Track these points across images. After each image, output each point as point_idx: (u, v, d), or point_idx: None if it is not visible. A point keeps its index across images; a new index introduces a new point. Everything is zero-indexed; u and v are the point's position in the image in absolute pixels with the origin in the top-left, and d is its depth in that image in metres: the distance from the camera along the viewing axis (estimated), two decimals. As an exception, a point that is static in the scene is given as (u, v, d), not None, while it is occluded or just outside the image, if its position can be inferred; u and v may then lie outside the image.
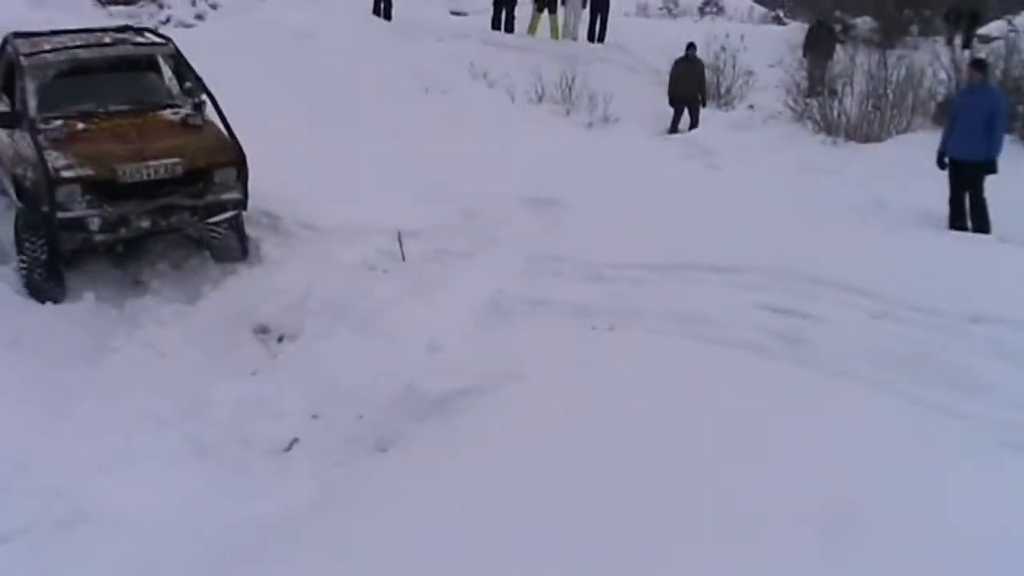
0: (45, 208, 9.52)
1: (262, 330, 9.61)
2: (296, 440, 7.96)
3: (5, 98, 10.96)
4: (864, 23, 25.48)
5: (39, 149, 9.55)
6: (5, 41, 11.32)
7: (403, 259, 10.40)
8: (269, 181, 10.98)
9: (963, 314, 8.40)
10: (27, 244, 9.77)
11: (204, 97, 10.83)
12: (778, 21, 33.58)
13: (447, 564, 5.41)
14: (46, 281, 9.87)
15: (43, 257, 9.81)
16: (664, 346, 7.95)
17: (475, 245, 10.66)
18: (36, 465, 7.63)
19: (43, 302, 9.81)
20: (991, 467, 6.11)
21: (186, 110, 10.76)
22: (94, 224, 9.64)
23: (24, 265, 9.84)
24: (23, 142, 9.98)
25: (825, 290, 8.95)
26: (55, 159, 9.55)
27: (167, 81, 11.47)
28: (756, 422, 6.53)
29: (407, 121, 15.47)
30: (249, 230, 11.00)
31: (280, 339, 9.48)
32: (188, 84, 11.18)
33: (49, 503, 7.23)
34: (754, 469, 5.97)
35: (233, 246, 10.71)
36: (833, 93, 18.31)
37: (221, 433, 8.06)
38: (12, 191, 10.42)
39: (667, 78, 19.82)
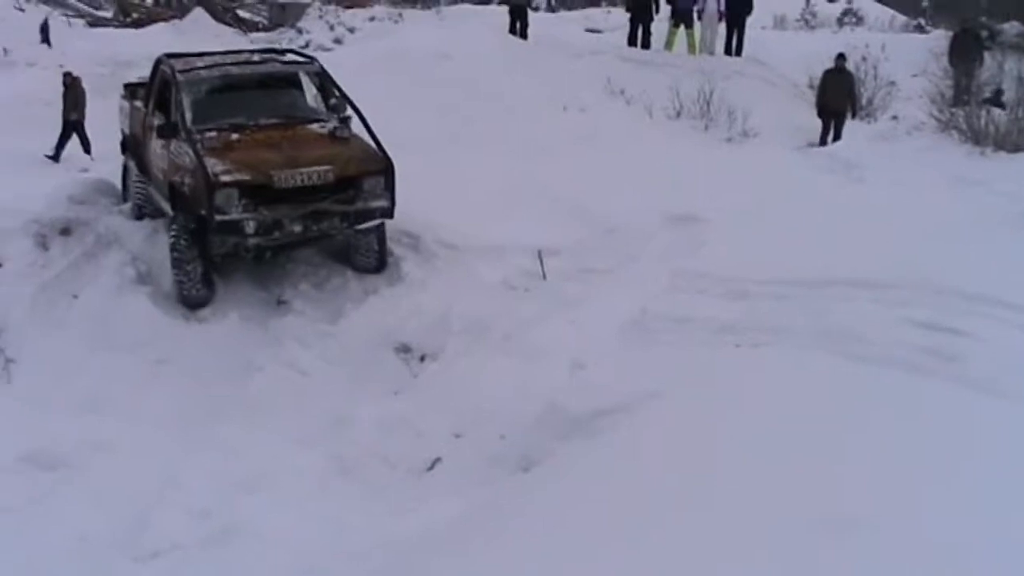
0: (203, 212, 9.94)
1: (404, 349, 9.68)
2: (438, 459, 7.99)
3: (159, 114, 11.42)
4: (1012, 28, 24.72)
5: (199, 156, 10.00)
6: (158, 62, 11.90)
7: (544, 277, 10.37)
8: (409, 201, 11.08)
9: None
10: (181, 250, 10.17)
11: (349, 112, 11.23)
12: (919, 29, 32.81)
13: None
14: (198, 286, 10.31)
15: (196, 262, 10.23)
16: (811, 364, 7.73)
17: (616, 262, 10.58)
18: (185, 482, 7.77)
19: (194, 308, 10.27)
20: None
21: (332, 124, 11.16)
22: (249, 227, 10.02)
23: (177, 271, 10.23)
24: (180, 151, 10.47)
25: (978, 305, 8.66)
26: (213, 165, 9.97)
27: (312, 98, 11.88)
28: (910, 444, 6.30)
29: (545, 139, 15.44)
30: (390, 248, 11.17)
31: (422, 358, 9.54)
32: (333, 100, 11.57)
33: (198, 520, 7.37)
34: (911, 495, 5.75)
35: (374, 256, 10.97)
36: (998, 102, 17.65)
37: (364, 452, 8.14)
38: (165, 201, 10.99)
39: (807, 91, 19.49)
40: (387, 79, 16.88)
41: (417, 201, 11.36)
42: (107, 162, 13.19)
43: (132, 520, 7.44)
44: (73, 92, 16.85)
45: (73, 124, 16.69)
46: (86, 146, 16.56)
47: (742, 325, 8.70)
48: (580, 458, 6.87)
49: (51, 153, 16.24)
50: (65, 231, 11.48)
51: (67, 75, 17.20)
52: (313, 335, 9.82)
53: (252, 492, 7.64)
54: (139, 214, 12.04)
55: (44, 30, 30.25)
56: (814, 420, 6.68)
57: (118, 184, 12.93)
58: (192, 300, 10.35)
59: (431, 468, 7.89)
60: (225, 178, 9.96)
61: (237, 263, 10.85)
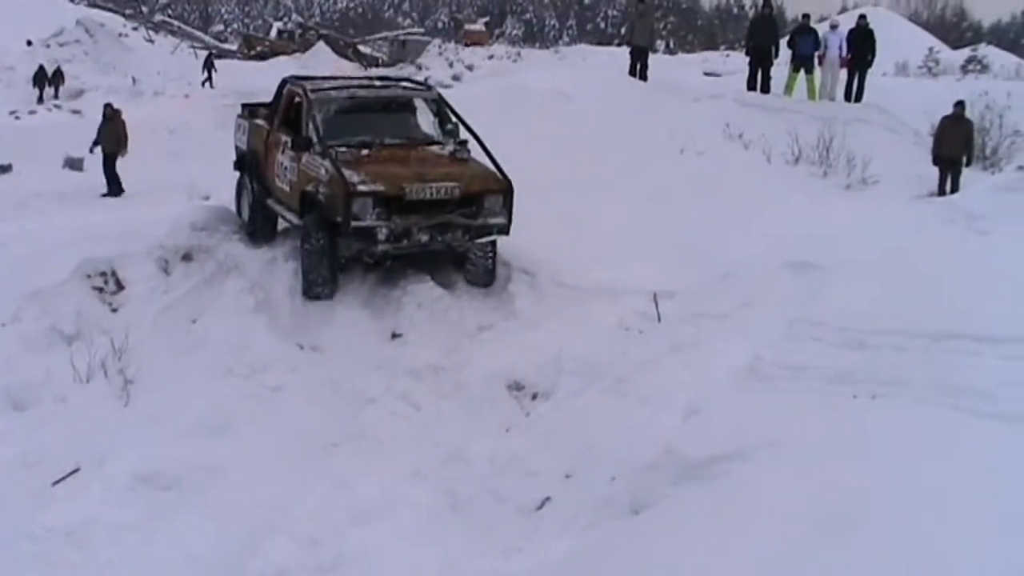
0: (338, 218, 10.69)
1: (516, 387, 9.69)
2: (548, 499, 7.97)
3: (286, 130, 12.17)
4: None
5: (337, 167, 10.78)
6: (284, 82, 12.79)
7: (659, 320, 10.31)
8: (526, 239, 11.25)
9: None
10: (313, 245, 10.99)
11: (466, 136, 11.98)
12: (1048, 77, 32.16)
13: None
14: (325, 279, 11.00)
15: (326, 258, 10.94)
16: (931, 418, 7.56)
17: (732, 308, 10.46)
18: (295, 512, 7.87)
19: (317, 299, 10.99)
20: None
21: (451, 147, 11.87)
22: (381, 234, 10.77)
23: (307, 264, 11.07)
24: (315, 164, 11.24)
25: (1111, 365, 8.42)
26: (350, 176, 10.73)
27: (430, 124, 12.55)
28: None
29: (662, 182, 15.39)
30: (507, 286, 11.34)
31: (534, 397, 9.53)
32: (449, 126, 12.30)
33: (307, 549, 7.45)
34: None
35: (487, 271, 11.53)
36: None
37: (475, 488, 8.16)
38: (289, 212, 11.82)
39: (929, 139, 19.16)
40: (505, 117, 16.98)
41: (534, 239, 11.47)
42: (229, 191, 13.43)
43: (241, 545, 7.56)
44: (114, 125, 16.96)
45: (107, 157, 16.82)
46: (112, 184, 16.71)
47: (859, 376, 8.55)
48: (693, 504, 6.79)
49: (105, 191, 16.51)
50: (187, 257, 11.79)
51: (108, 106, 17.31)
52: (426, 369, 9.87)
53: (362, 524, 7.71)
54: (252, 228, 12.62)
55: (208, 66, 30.87)
56: (932, 477, 6.53)
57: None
58: (317, 292, 11.03)
59: (540, 507, 7.87)
60: (362, 188, 10.69)
61: (349, 293, 10.96)
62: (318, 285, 10.99)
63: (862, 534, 5.83)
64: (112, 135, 17.07)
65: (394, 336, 10.50)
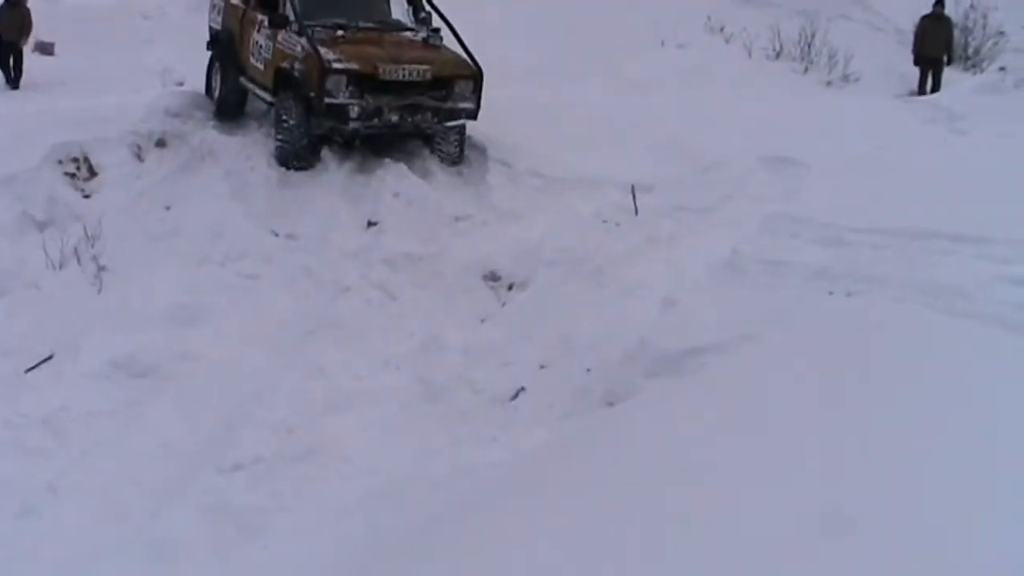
0: (312, 94, 10.92)
1: (493, 277, 9.66)
2: (523, 389, 7.98)
3: (262, 9, 12.26)
4: None
5: (313, 44, 11.01)
6: None
7: (636, 213, 10.27)
8: (504, 130, 11.18)
9: None
10: (289, 114, 11.19)
11: (439, 25, 12.21)
12: (1034, -21, 31.84)
13: (673, 523, 5.23)
14: (302, 148, 11.23)
15: (301, 128, 11.17)
16: (906, 316, 7.57)
17: (711, 202, 10.43)
18: (271, 400, 7.87)
19: (295, 169, 11.16)
20: None
21: (423, 34, 12.11)
22: (353, 112, 11.00)
23: (281, 133, 11.28)
24: (289, 41, 11.47)
25: (1086, 267, 8.45)
26: (326, 53, 10.98)
27: (405, 11, 12.78)
28: (1008, 404, 6.14)
29: (642, 74, 15.29)
30: (486, 178, 11.31)
31: (510, 287, 9.51)
32: (422, 14, 12.49)
33: (282, 436, 7.45)
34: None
35: (456, 151, 11.80)
36: None
37: (450, 377, 8.16)
38: (262, 90, 12.00)
39: (911, 38, 19.03)
40: (484, 5, 16.75)
41: (513, 130, 11.43)
42: (203, 77, 13.26)
43: (217, 432, 7.56)
44: (17, 11, 16.29)
45: (9, 46, 16.23)
46: (12, 74, 16.20)
47: (836, 272, 8.54)
48: (667, 396, 6.77)
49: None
50: (160, 143, 11.64)
51: None
52: (402, 258, 9.82)
53: (337, 412, 7.71)
54: (221, 106, 12.69)
55: None
56: (906, 373, 6.54)
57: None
58: (294, 160, 11.21)
59: (515, 397, 7.88)
60: (337, 65, 10.95)
61: (325, 181, 10.90)
62: (295, 156, 11.17)
63: (834, 426, 5.84)
64: (15, 22, 16.26)
65: (370, 224, 10.41)
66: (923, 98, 17.62)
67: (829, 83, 18.00)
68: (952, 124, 15.05)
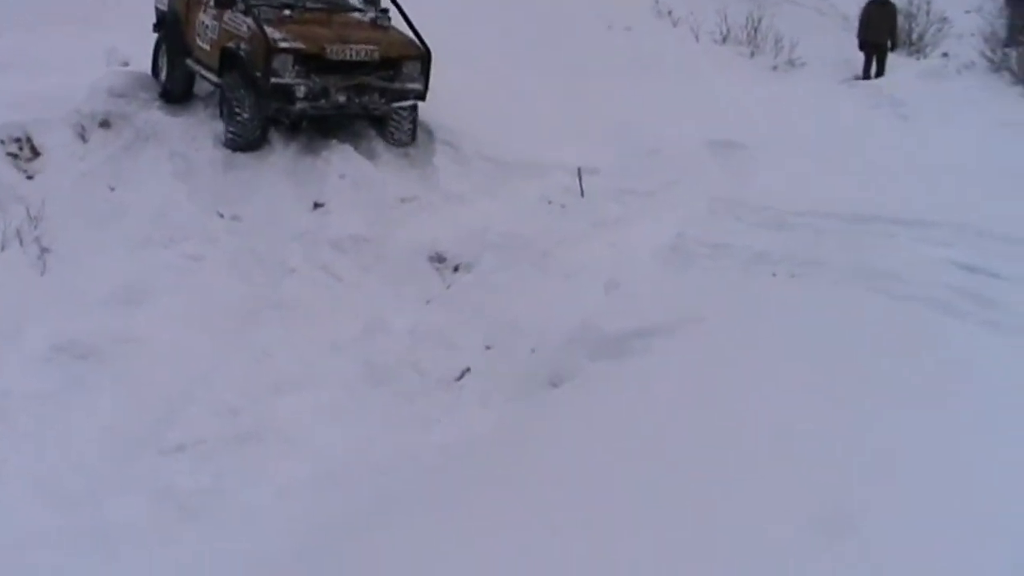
0: (258, 75, 10.80)
1: (438, 259, 9.67)
2: (468, 370, 8.00)
3: None
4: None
5: (259, 24, 10.88)
6: None
7: (582, 195, 10.32)
8: (451, 114, 11.19)
9: None
10: (237, 94, 11.05)
11: (388, 6, 12.16)
12: (977, -35, 32.08)
13: (619, 502, 5.26)
14: (253, 128, 11.08)
15: (255, 126, 11.06)
16: (845, 297, 7.67)
17: (656, 185, 10.51)
18: (214, 382, 7.82)
19: (244, 150, 11.03)
20: None
21: (372, 14, 12.03)
22: (300, 92, 10.92)
23: (231, 116, 11.12)
24: (235, 21, 11.33)
25: (1018, 250, 8.58)
26: (272, 32, 10.84)
27: None
28: (943, 384, 6.23)
29: (589, 58, 15.28)
30: (433, 160, 11.28)
31: (456, 269, 9.52)
32: None
33: (226, 418, 7.42)
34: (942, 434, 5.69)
35: (408, 132, 11.72)
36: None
37: (395, 360, 8.16)
38: (209, 71, 11.80)
39: (856, 23, 19.17)
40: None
41: (459, 112, 11.42)
42: (149, 57, 13.12)
43: (160, 414, 7.50)
44: None
45: None
46: None
47: (779, 255, 8.64)
48: (611, 377, 6.82)
49: None
50: (104, 123, 11.49)
51: None
52: (348, 239, 9.78)
53: (282, 395, 7.68)
54: (169, 88, 12.44)
55: None
56: (846, 354, 6.63)
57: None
58: (244, 143, 11.09)
59: (460, 378, 7.89)
60: (283, 44, 10.83)
61: (271, 162, 10.84)
62: (241, 136, 11.06)
63: (777, 405, 5.91)
64: None
65: (316, 206, 10.36)
66: (867, 83, 17.79)
67: (775, 68, 18.07)
68: (896, 109, 15.23)
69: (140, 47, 13.17)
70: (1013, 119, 14.40)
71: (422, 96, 11.54)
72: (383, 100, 11.37)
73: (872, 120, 14.40)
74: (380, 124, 11.70)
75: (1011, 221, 8.98)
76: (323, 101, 11.08)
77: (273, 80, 10.75)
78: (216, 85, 11.66)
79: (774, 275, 8.29)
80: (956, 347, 6.78)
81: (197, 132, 11.30)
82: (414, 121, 11.74)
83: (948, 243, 8.71)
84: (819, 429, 5.60)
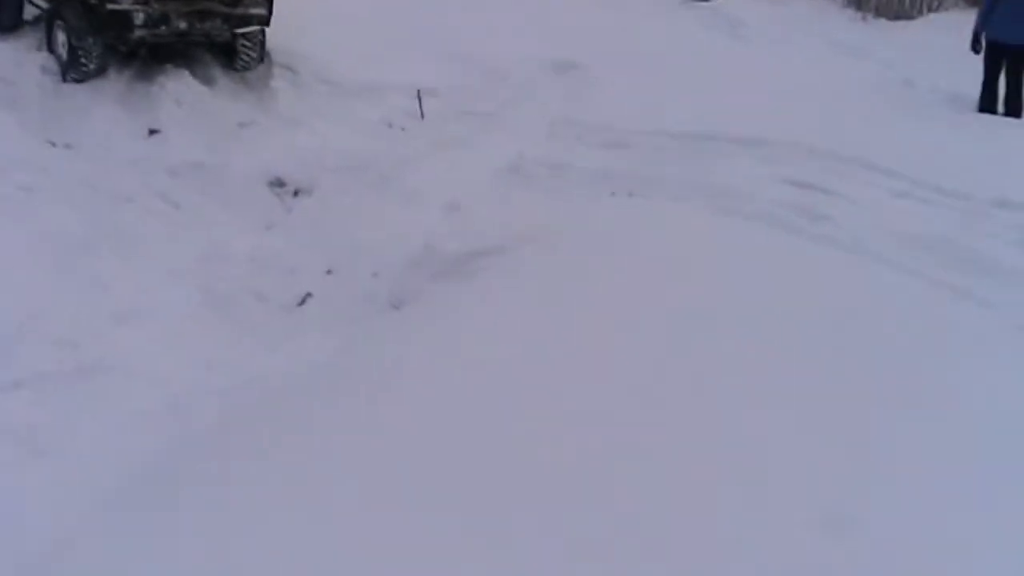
0: (93, 1, 10.35)
1: (278, 184, 9.56)
2: (310, 295, 7.95)
3: None
4: None
5: None
6: None
7: (422, 117, 10.29)
8: (288, 37, 11.01)
9: (988, 198, 8.30)
10: (72, 36, 10.52)
11: None
12: None
13: (461, 423, 5.29)
14: (97, 58, 10.63)
15: (87, 44, 10.54)
16: (683, 215, 7.82)
17: (496, 107, 10.53)
18: (51, 315, 7.60)
19: (85, 80, 10.60)
20: (1009, 352, 6.04)
21: None
22: (138, 19, 10.46)
23: (75, 46, 10.52)
24: None
25: (849, 168, 8.85)
26: None
27: None
28: (775, 297, 6.40)
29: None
30: (270, 84, 11.10)
31: (296, 193, 9.43)
32: None
33: (65, 351, 7.24)
34: (773, 348, 5.84)
35: (256, 54, 11.44)
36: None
37: (235, 287, 8.05)
38: None
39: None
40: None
41: (296, 38, 11.25)
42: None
43: (-5, 350, 7.30)
44: None
45: None
46: None
47: (619, 174, 8.75)
48: (452, 298, 6.84)
49: None
50: (-79, 55, 11.03)
51: None
52: (185, 166, 9.59)
53: (121, 325, 7.51)
54: None
55: None
56: (680, 269, 6.75)
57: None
58: (88, 74, 10.64)
59: (302, 303, 7.85)
60: None
61: (104, 89, 10.54)
62: (86, 66, 10.59)
63: (612, 319, 6.00)
64: None
65: (151, 132, 10.13)
66: (705, 4, 17.98)
67: (615, -11, 18.13)
68: (733, 31, 15.47)
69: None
70: (844, 40, 14.78)
71: (266, 21, 11.25)
72: (226, 26, 10.99)
73: (710, 41, 14.60)
74: (225, 50, 11.37)
75: (840, 140, 9.26)
76: (163, 28, 10.64)
77: (109, 6, 10.31)
78: (47, 13, 11.10)
79: (613, 194, 8.39)
80: (788, 260, 6.97)
81: (24, 59, 10.89)
82: (263, 45, 11.47)
83: (782, 161, 8.95)
84: (653, 344, 5.72)
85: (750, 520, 4.23)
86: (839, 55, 14.13)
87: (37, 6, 11.43)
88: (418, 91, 10.46)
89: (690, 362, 5.48)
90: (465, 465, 4.68)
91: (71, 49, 10.56)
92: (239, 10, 11.04)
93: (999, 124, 11.14)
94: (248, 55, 11.32)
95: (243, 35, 11.16)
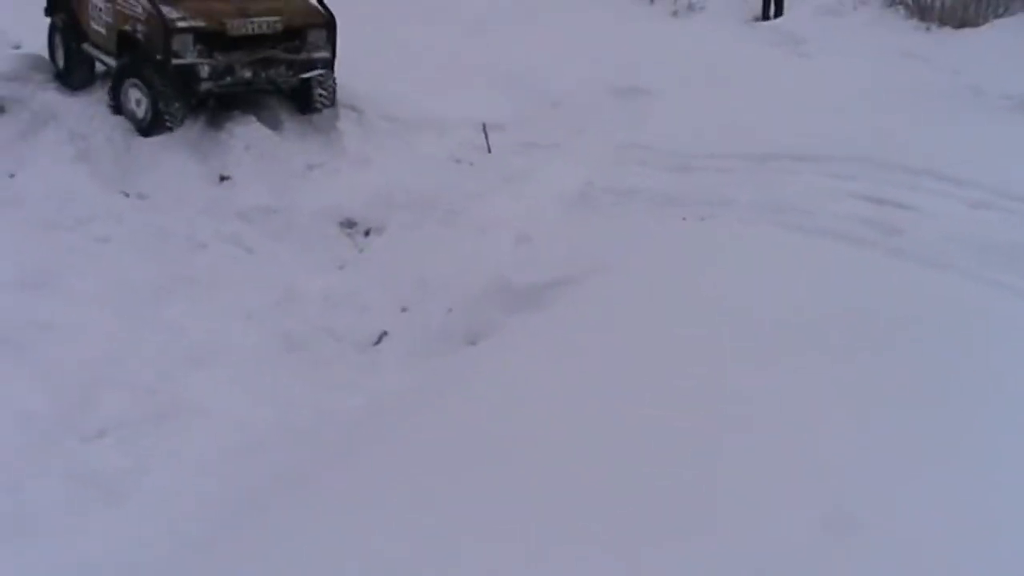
0: (159, 57, 10.47)
1: (348, 224, 9.63)
2: (385, 333, 7.99)
3: None
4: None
5: (154, 2, 10.51)
6: None
7: (489, 151, 10.33)
8: (351, 76, 11.10)
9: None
10: (152, 95, 10.63)
11: None
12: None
13: (540, 455, 5.29)
14: (180, 116, 10.78)
15: (182, 113, 10.77)
16: (755, 236, 7.76)
17: (561, 136, 10.54)
18: (130, 362, 7.71)
19: (171, 130, 10.71)
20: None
21: None
22: (204, 71, 10.62)
23: (160, 101, 10.63)
24: (129, 3, 10.91)
25: (920, 179, 8.75)
26: (168, 12, 10.53)
27: None
28: (855, 313, 6.32)
29: (483, 9, 15.24)
30: (336, 124, 11.19)
31: (367, 233, 9.50)
32: None
33: (144, 398, 7.32)
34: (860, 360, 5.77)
35: (329, 96, 11.48)
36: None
37: (310, 327, 8.11)
38: (106, 55, 11.47)
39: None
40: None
41: (359, 77, 11.33)
42: (41, 38, 12.85)
43: (77, 399, 7.37)
44: None
45: None
46: None
47: (687, 198, 8.72)
48: (526, 331, 6.86)
49: None
50: (-1, 109, 11.27)
51: None
52: (256, 210, 9.71)
53: (198, 369, 7.60)
54: (69, 75, 12.09)
55: None
56: (758, 291, 6.70)
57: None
58: (171, 128, 10.72)
59: (378, 342, 7.89)
60: (182, 24, 10.49)
61: (174, 138, 10.69)
62: (164, 122, 10.69)
63: (690, 346, 5.97)
64: None
65: (222, 179, 10.25)
66: (767, 23, 17.93)
67: (675, 13, 18.17)
68: (795, 47, 15.37)
69: (30, 29, 12.88)
70: (909, 50, 14.62)
71: (330, 64, 11.32)
72: (290, 72, 11.12)
73: (772, 59, 14.51)
74: (296, 95, 11.48)
75: (910, 151, 9.15)
76: (228, 79, 10.79)
77: (175, 62, 10.44)
78: (116, 72, 11.21)
79: (684, 218, 8.36)
80: (865, 276, 6.89)
81: (95, 111, 11.10)
82: (334, 88, 11.49)
83: (851, 176, 8.87)
84: (731, 366, 5.68)
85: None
86: (904, 66, 13.96)
87: (107, 65, 11.58)
88: (484, 125, 10.51)
89: (771, 384, 5.43)
90: (548, 500, 4.67)
91: (153, 107, 10.67)
92: (302, 55, 11.13)
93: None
94: (322, 99, 11.40)
95: (315, 79, 11.28)
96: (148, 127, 10.75)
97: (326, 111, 11.43)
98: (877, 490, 4.45)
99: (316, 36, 11.24)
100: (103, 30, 11.54)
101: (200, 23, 10.61)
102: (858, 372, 5.52)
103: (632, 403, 5.44)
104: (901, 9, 17.25)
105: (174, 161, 10.41)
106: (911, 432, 4.92)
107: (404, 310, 8.18)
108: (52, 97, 11.44)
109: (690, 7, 18.23)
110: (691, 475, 4.63)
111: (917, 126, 10.23)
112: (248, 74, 10.87)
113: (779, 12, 18.53)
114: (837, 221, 8.03)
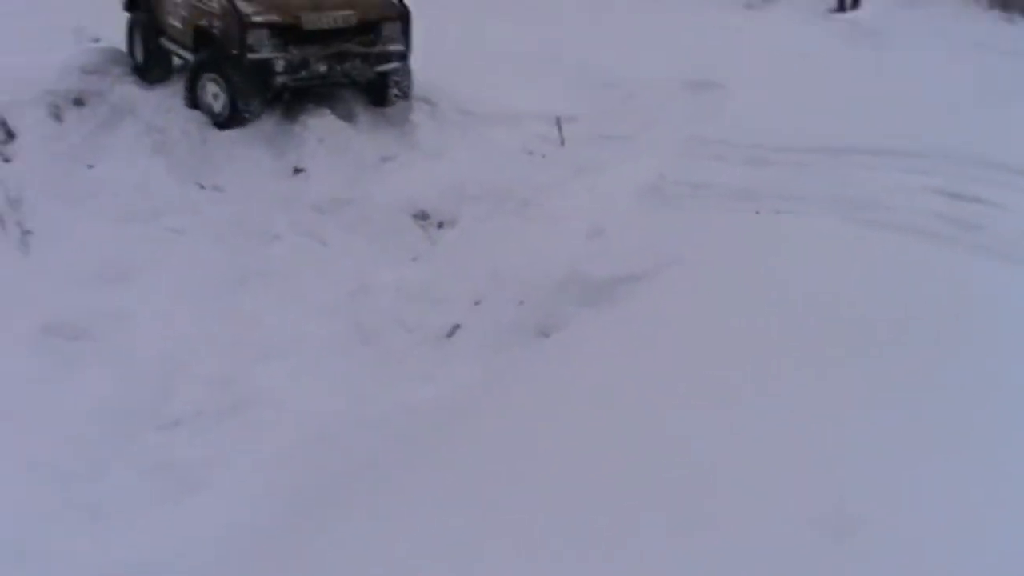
0: (235, 51, 10.64)
1: (422, 216, 9.66)
2: (458, 326, 7.99)
3: None
4: None
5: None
6: None
7: (562, 144, 10.31)
8: (425, 69, 11.13)
9: None
10: (244, 74, 10.77)
11: None
12: None
13: (611, 450, 5.26)
14: (249, 105, 10.87)
15: (261, 105, 10.93)
16: (832, 231, 7.66)
17: (634, 128, 10.49)
18: (205, 353, 7.80)
19: (246, 124, 10.86)
20: None
21: None
22: (279, 66, 10.74)
23: (239, 92, 10.80)
24: None
25: (1003, 175, 8.61)
26: (245, 7, 10.67)
27: None
28: (934, 311, 6.24)
29: (557, 3, 15.22)
30: (410, 117, 11.25)
31: (440, 225, 9.51)
32: None
33: (219, 388, 7.41)
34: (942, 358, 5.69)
35: (403, 92, 11.56)
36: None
37: (383, 319, 8.15)
38: (184, 49, 11.66)
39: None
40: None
41: (431, 67, 11.36)
42: (119, 32, 13.00)
43: (154, 389, 7.48)
44: None
45: None
46: None
47: (761, 192, 8.64)
48: (599, 325, 6.83)
49: None
50: (79, 102, 11.39)
51: None
52: (330, 202, 9.77)
53: (272, 360, 7.67)
54: (147, 69, 12.19)
55: None
56: (833, 287, 6.63)
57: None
58: (249, 121, 10.87)
59: (450, 335, 7.89)
60: (257, 19, 10.65)
61: (249, 131, 10.78)
62: (243, 117, 10.86)
63: (765, 341, 5.93)
64: None
65: (296, 171, 10.34)
66: (844, 15, 17.73)
67: (749, 5, 18.00)
68: (873, 39, 15.18)
69: (109, 24, 13.03)
70: (990, 42, 14.38)
71: (405, 57, 11.35)
72: (366, 65, 11.14)
73: (848, 52, 14.36)
74: (370, 88, 11.51)
75: (992, 146, 9.00)
76: (304, 72, 10.87)
77: (250, 56, 10.57)
78: (193, 67, 11.35)
79: (757, 213, 8.28)
80: (945, 273, 6.79)
81: (172, 104, 11.22)
82: (410, 81, 11.56)
83: (929, 171, 8.74)
84: (798, 368, 5.63)
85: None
86: (984, 58, 13.74)
87: (185, 59, 11.76)
88: (557, 118, 10.49)
89: (843, 383, 5.38)
90: (617, 493, 4.67)
91: (231, 102, 10.80)
92: (377, 48, 11.14)
93: None
94: (397, 92, 11.46)
95: (390, 72, 11.33)
96: (225, 121, 10.86)
97: (399, 104, 11.48)
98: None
99: (390, 29, 11.24)
100: (180, 25, 11.69)
101: (275, 18, 10.70)
102: (934, 368, 5.45)
103: (705, 402, 5.41)
104: (983, -1, 16.98)
105: (249, 154, 10.51)
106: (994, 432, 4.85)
107: (477, 303, 8.18)
108: (130, 91, 11.57)
109: (764, -1, 18.07)
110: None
111: (997, 120, 10.06)
112: (323, 68, 10.90)
113: (856, 3, 18.32)
114: (915, 216, 7.91)
